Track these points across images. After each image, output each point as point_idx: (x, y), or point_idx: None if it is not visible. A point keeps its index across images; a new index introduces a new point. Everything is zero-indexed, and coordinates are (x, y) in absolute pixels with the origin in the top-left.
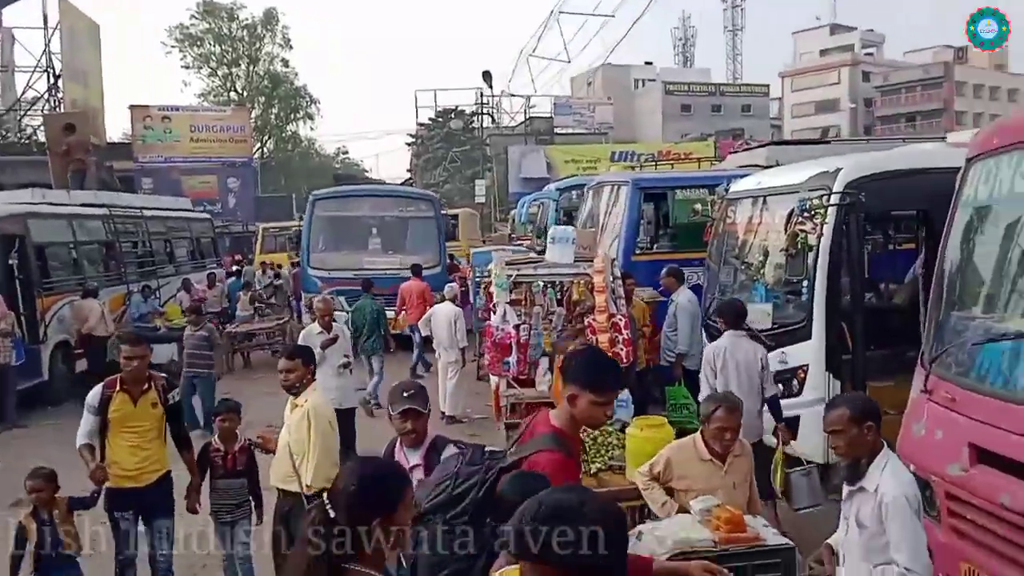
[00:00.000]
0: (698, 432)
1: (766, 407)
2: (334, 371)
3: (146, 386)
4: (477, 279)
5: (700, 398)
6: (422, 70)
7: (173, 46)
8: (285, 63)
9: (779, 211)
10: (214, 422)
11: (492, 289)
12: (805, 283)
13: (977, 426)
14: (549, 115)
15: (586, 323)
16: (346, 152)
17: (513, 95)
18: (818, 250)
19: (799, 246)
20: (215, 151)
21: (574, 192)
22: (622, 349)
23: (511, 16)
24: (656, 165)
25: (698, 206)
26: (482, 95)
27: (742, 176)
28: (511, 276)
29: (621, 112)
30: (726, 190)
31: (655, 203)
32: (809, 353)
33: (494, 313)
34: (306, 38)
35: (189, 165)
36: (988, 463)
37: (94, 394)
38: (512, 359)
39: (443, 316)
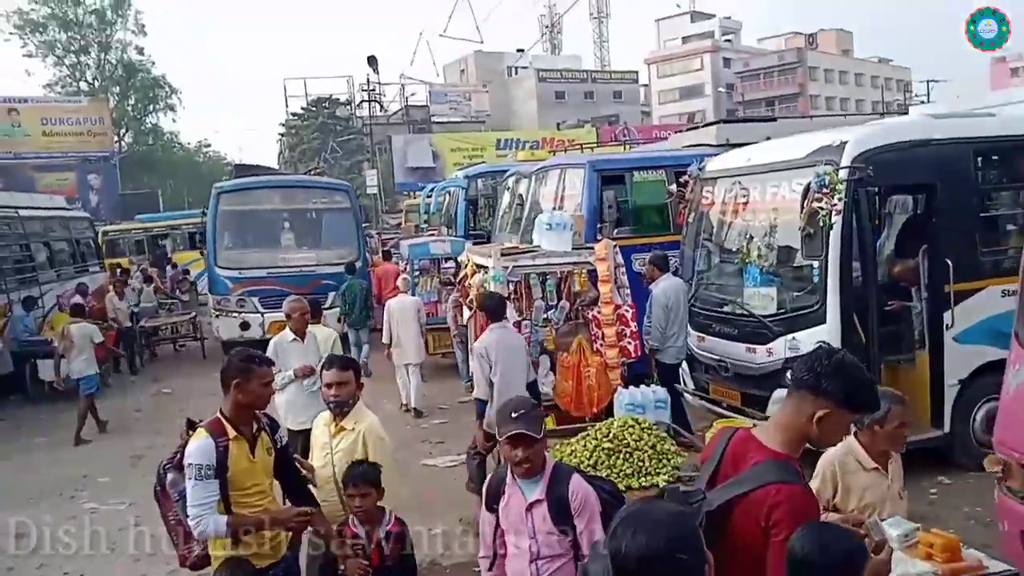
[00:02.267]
0: (850, 437)
1: None
2: (304, 386)
3: (255, 427)
4: (416, 271)
5: (476, 394)
6: (282, 59)
7: (12, 33)
8: (140, 51)
9: (775, 188)
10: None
11: (471, 283)
12: (815, 264)
13: None
14: (425, 103)
15: (590, 316)
16: (208, 144)
17: (385, 83)
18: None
19: (820, 223)
20: (72, 146)
21: (480, 180)
22: (630, 343)
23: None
24: (550, 152)
25: (673, 187)
26: (368, 81)
27: (703, 156)
28: (508, 268)
29: (496, 99)
30: (700, 169)
31: (613, 186)
32: (824, 338)
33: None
34: (164, 23)
35: (43, 161)
36: None
37: (204, 449)
38: None
39: (409, 309)
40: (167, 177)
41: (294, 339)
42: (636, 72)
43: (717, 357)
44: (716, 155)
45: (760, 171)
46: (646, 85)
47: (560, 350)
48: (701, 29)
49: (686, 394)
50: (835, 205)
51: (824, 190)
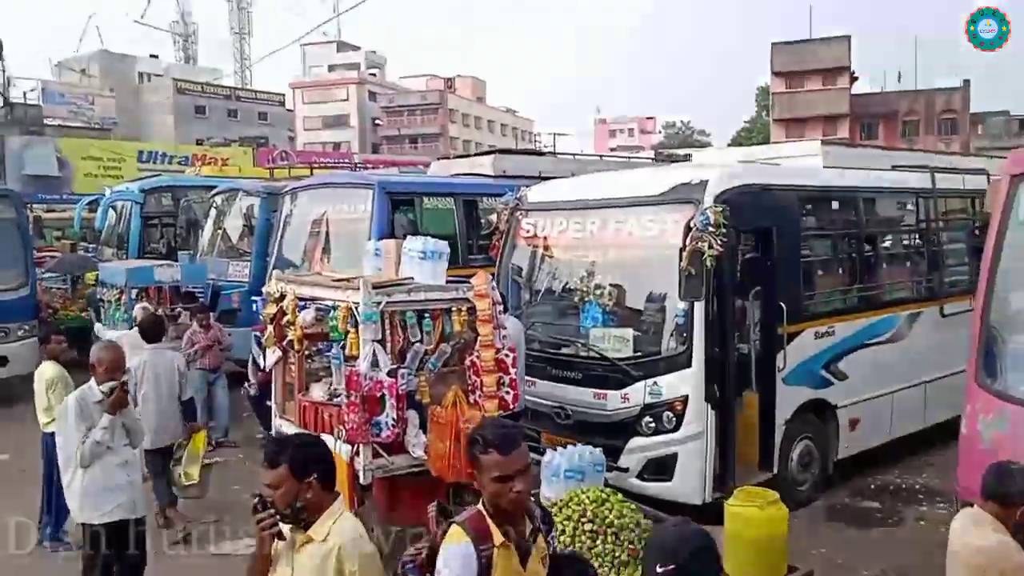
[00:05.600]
0: (976, 512)
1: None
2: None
3: (530, 528)
4: (112, 300)
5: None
6: None
7: None
8: None
9: (622, 224)
10: None
11: (291, 320)
12: (682, 305)
13: None
14: (36, 103)
15: (468, 362)
16: None
17: None
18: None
19: (705, 263)
20: None
21: (157, 195)
22: (508, 392)
23: None
24: (199, 169)
25: (492, 217)
26: None
27: (518, 186)
28: (380, 304)
29: (125, 107)
30: (518, 200)
31: (403, 211)
32: (689, 383)
33: (296, 355)
34: None
35: None
36: None
37: (463, 561)
38: (386, 418)
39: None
40: None
41: (102, 399)
42: (283, 95)
43: (553, 404)
44: (523, 187)
45: (607, 205)
46: (291, 110)
47: (433, 403)
48: (347, 60)
49: None
50: (717, 246)
51: (709, 229)
